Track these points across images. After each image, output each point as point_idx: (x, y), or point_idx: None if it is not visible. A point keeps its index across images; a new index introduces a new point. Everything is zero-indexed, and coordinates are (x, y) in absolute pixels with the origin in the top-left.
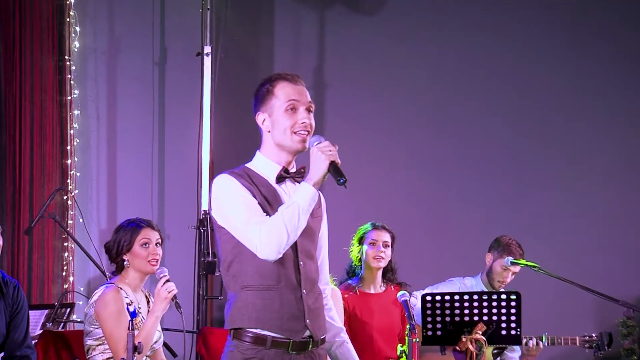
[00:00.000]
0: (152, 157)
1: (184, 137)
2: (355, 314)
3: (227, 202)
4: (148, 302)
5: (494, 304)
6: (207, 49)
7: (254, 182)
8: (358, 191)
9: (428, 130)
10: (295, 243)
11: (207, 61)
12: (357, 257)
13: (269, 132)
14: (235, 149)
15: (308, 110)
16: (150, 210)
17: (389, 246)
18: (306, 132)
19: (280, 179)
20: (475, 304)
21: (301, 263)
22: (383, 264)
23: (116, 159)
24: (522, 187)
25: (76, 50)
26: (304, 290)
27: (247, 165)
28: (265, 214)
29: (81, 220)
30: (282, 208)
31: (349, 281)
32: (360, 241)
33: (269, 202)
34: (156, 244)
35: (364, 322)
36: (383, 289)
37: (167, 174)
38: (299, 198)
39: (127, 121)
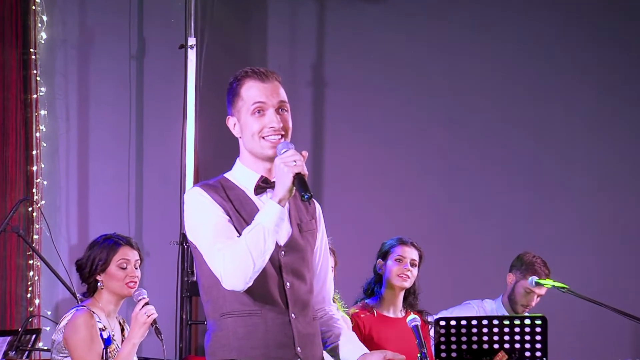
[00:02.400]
0: (128, 163)
1: (165, 140)
2: (370, 336)
3: (196, 221)
4: (123, 330)
5: (517, 329)
6: (192, 41)
7: (228, 196)
8: (360, 202)
9: (440, 135)
10: (279, 261)
11: (192, 55)
12: (378, 274)
13: (240, 137)
14: (223, 153)
15: (280, 110)
16: (126, 224)
17: (416, 265)
18: (278, 137)
19: (259, 190)
20: (496, 329)
21: (287, 284)
22: (408, 284)
23: (88, 165)
24: (547, 200)
25: (43, 42)
26: (292, 314)
27: (226, 175)
28: (237, 234)
29: (48, 234)
30: (246, 231)
31: (367, 300)
32: (385, 256)
33: (245, 219)
34: (135, 265)
35: (379, 348)
36: (403, 314)
37: (146, 182)
38: (263, 218)
39: (100, 123)
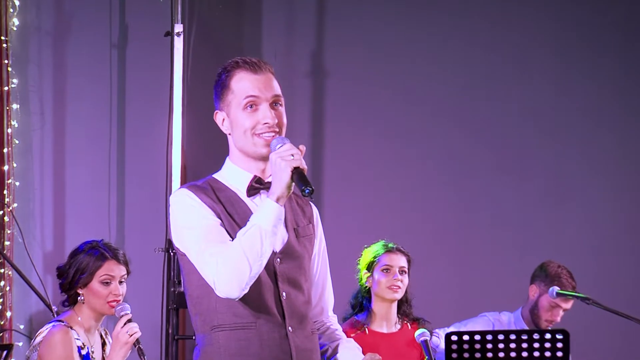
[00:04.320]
0: (109, 162)
1: (149, 137)
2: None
3: (183, 225)
4: (104, 344)
5: (536, 345)
6: (178, 28)
7: (219, 198)
8: (362, 205)
9: (450, 131)
10: (274, 269)
11: (178, 43)
12: (365, 287)
13: (229, 134)
14: (213, 152)
15: (274, 104)
16: (107, 229)
17: (405, 272)
18: (272, 134)
19: (252, 191)
20: (512, 345)
21: (283, 294)
22: (400, 294)
23: (65, 164)
24: (568, 205)
25: (15, 29)
26: (290, 328)
27: (215, 175)
28: (229, 239)
29: (21, 240)
30: (241, 233)
31: (356, 317)
32: (370, 267)
33: (237, 223)
34: (120, 280)
35: None
36: (398, 327)
37: (128, 183)
38: (260, 219)
39: (78, 118)
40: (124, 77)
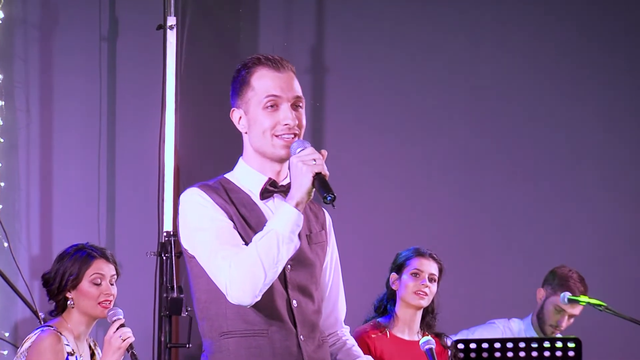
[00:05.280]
0: (99, 161)
1: (141, 135)
2: (382, 359)
3: (195, 226)
4: (93, 354)
5: (546, 353)
6: (171, 21)
7: (231, 200)
8: (367, 205)
9: (458, 129)
10: (285, 276)
11: (171, 37)
12: (392, 290)
13: (246, 133)
14: (208, 151)
15: (295, 106)
16: (96, 231)
17: (435, 280)
18: (292, 135)
19: (266, 194)
20: (522, 353)
21: (294, 302)
22: (426, 302)
23: (52, 164)
24: (585, 208)
25: None
26: (301, 337)
27: (227, 175)
28: (242, 242)
29: (6, 244)
30: (257, 237)
31: (379, 319)
32: (399, 270)
33: (251, 226)
34: (111, 281)
35: None
36: (419, 336)
37: (118, 183)
38: (278, 224)
39: (66, 115)
40: (114, 73)
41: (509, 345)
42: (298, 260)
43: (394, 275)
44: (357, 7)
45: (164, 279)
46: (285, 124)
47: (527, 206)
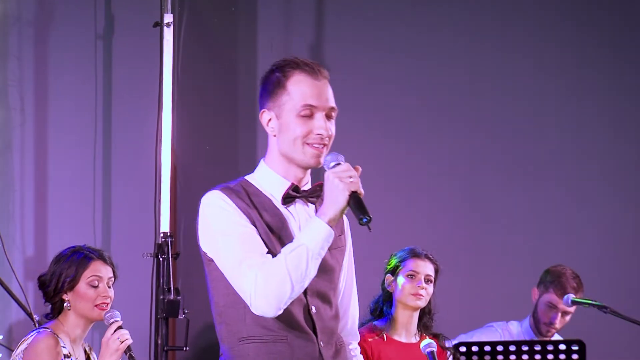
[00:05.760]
0: (94, 161)
1: (137, 135)
2: None
3: (217, 230)
4: (88, 359)
5: (550, 356)
6: (168, 18)
7: (253, 204)
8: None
9: (460, 130)
10: None
11: (168, 34)
12: (388, 292)
13: (274, 136)
14: (206, 151)
15: (328, 116)
16: (92, 232)
17: (431, 281)
18: (322, 145)
19: (288, 199)
20: (525, 356)
21: (312, 308)
22: (423, 303)
23: (47, 164)
24: (584, 209)
25: None
26: (321, 343)
27: (247, 177)
28: (266, 249)
29: (0, 245)
30: (287, 250)
31: (375, 322)
32: (394, 272)
33: (273, 231)
34: (108, 283)
35: None
36: (417, 338)
37: (114, 184)
38: (309, 239)
39: (61, 114)
40: (110, 71)
41: (512, 348)
42: (319, 267)
43: (389, 277)
44: (357, 5)
45: (161, 281)
46: (318, 134)
47: (529, 207)
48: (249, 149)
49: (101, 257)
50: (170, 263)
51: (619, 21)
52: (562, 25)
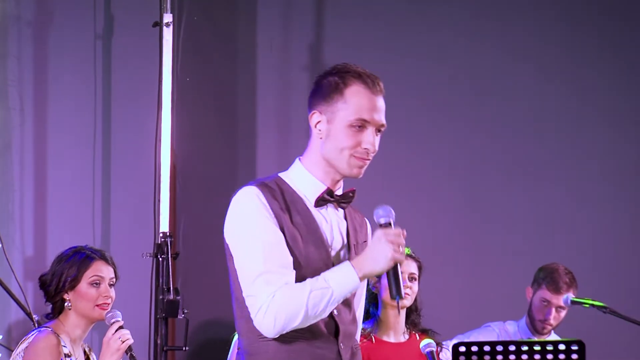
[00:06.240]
0: (94, 161)
1: (136, 134)
2: None
3: (244, 231)
4: (88, 359)
5: (549, 356)
6: (168, 18)
7: (286, 204)
8: (362, 205)
9: (460, 129)
10: None
11: (168, 34)
12: (373, 293)
13: (320, 139)
14: (205, 151)
15: (377, 131)
16: (91, 232)
17: (415, 279)
18: (367, 160)
19: (321, 202)
20: (524, 356)
21: (335, 310)
22: (409, 302)
23: (46, 164)
24: (584, 209)
25: None
26: (341, 344)
27: (282, 175)
28: (289, 261)
29: (0, 245)
30: (313, 285)
31: (362, 324)
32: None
33: (303, 233)
34: (109, 283)
35: None
36: (406, 337)
37: (114, 183)
38: (337, 285)
39: (61, 114)
40: (109, 71)
41: (511, 348)
42: None
43: (373, 278)
44: (357, 5)
45: (160, 281)
46: (365, 148)
47: (529, 207)
48: (248, 148)
49: (103, 257)
50: (170, 263)
51: (619, 22)
52: (562, 26)
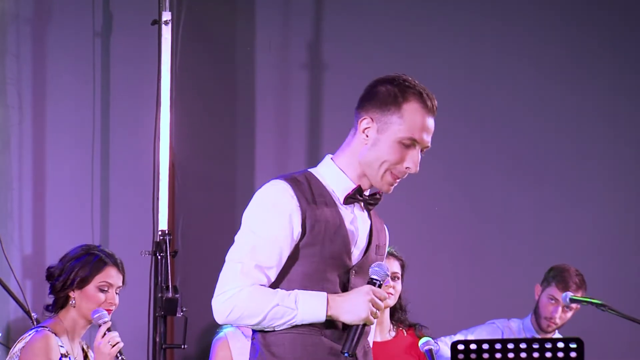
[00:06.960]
0: (92, 159)
1: (135, 132)
2: None
3: (250, 219)
4: (86, 356)
5: (548, 354)
6: (166, 16)
7: (314, 198)
8: None
9: (458, 129)
10: (349, 282)
11: (166, 32)
12: None
13: (365, 145)
14: (204, 148)
15: (421, 151)
16: (90, 230)
17: (398, 278)
18: (400, 180)
19: (350, 199)
20: (523, 354)
21: None
22: (392, 301)
23: (45, 162)
24: (584, 208)
25: None
26: None
27: (312, 170)
28: (275, 264)
29: None
30: (283, 300)
31: None
32: None
33: (326, 228)
34: (116, 291)
35: None
36: (393, 334)
37: (112, 181)
38: (304, 313)
39: (59, 112)
40: (108, 69)
41: (510, 346)
42: (362, 267)
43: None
44: (356, 5)
45: (159, 279)
46: (408, 167)
47: (530, 207)
48: (247, 147)
49: (115, 263)
50: (169, 261)
51: (619, 21)
52: (562, 25)
